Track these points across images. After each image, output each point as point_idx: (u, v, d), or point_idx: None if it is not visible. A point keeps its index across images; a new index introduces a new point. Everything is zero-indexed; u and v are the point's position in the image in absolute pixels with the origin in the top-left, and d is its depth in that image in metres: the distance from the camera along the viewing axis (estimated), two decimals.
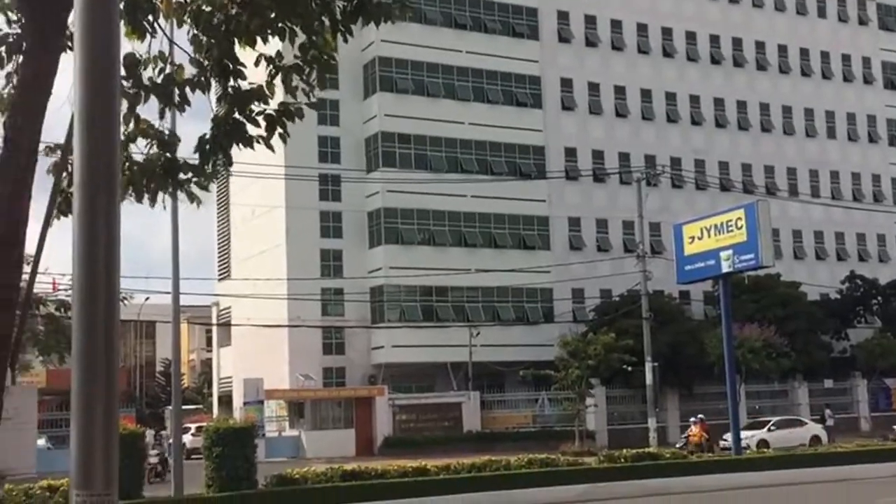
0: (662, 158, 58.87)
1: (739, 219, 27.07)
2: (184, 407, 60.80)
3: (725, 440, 38.21)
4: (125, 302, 37.76)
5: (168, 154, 6.46)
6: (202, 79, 6.26)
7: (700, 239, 28.24)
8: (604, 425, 48.86)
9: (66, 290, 36.95)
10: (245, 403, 46.21)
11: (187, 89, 6.33)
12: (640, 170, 51.03)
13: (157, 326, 79.02)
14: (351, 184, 52.75)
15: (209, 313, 65.96)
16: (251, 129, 6.59)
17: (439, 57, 54.53)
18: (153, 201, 6.52)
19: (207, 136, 6.48)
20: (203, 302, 68.47)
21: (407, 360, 51.96)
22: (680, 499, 21.39)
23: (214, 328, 64.29)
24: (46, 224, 5.79)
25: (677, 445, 32.29)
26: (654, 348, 42.28)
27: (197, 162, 6.55)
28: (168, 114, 6.57)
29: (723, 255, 27.42)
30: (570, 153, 58.71)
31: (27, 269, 5.57)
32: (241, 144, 6.61)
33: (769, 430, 41.15)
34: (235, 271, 58.41)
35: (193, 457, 38.36)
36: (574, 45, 60.03)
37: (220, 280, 60.77)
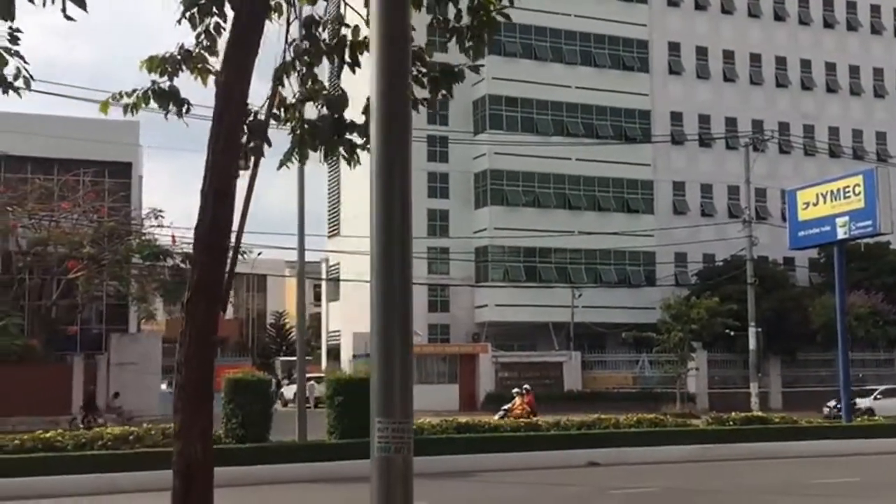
0: (770, 124, 57.28)
1: (857, 185, 26.22)
2: (293, 358, 62.62)
3: (829, 407, 37.37)
4: (244, 256, 38.69)
5: (336, 115, 6.56)
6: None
7: (815, 205, 27.46)
8: (704, 389, 48.24)
9: (188, 243, 37.83)
10: (354, 356, 47.07)
11: (358, 52, 6.42)
12: (747, 135, 49.80)
13: (267, 280, 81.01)
14: (458, 146, 52.82)
15: (318, 269, 67.17)
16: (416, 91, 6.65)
17: (547, 20, 53.89)
18: (325, 159, 6.66)
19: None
20: (312, 258, 69.91)
21: (509, 318, 52.12)
22: (790, 463, 21.07)
23: (324, 283, 65.47)
24: (253, 177, 5.97)
25: (496, 417, 26.88)
26: (758, 314, 41.45)
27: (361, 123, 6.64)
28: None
29: (839, 221, 26.63)
30: (676, 117, 57.58)
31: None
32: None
33: (875, 398, 40.03)
34: (344, 229, 59.20)
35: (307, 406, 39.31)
36: (683, 9, 58.61)
37: (329, 237, 61.79)
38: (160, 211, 37.14)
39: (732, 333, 43.49)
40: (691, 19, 58.60)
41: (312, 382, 51.77)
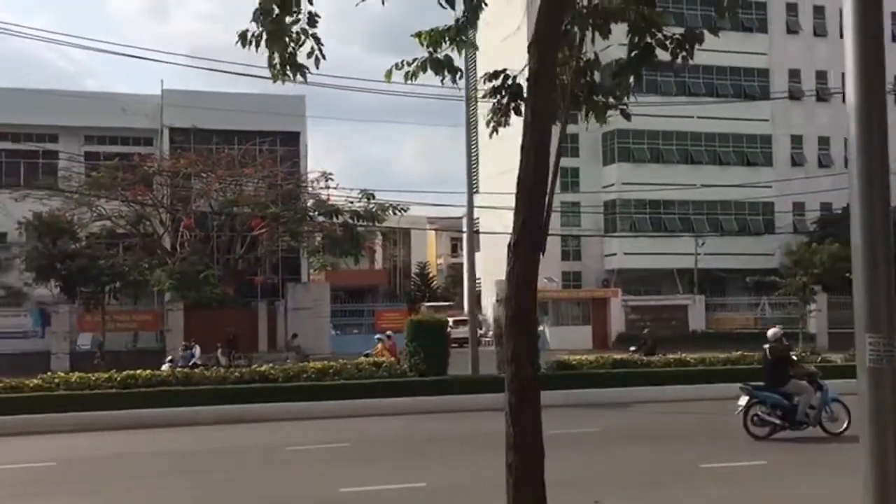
0: (889, 77, 54.15)
1: None
2: (437, 303, 63.57)
3: None
4: (401, 212, 39.37)
5: (588, 77, 6.63)
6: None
7: None
8: (825, 329, 46.60)
9: (352, 201, 38.63)
10: (497, 301, 47.35)
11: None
12: None
13: (411, 234, 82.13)
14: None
15: (459, 224, 67.61)
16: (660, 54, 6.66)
17: None
18: (596, 119, 6.77)
19: (624, 60, 6.60)
20: (454, 214, 70.42)
21: (636, 266, 51.57)
22: None
23: (465, 237, 65.86)
24: (563, 130, 6.13)
25: (360, 359, 23.44)
26: None
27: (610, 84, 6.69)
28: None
29: None
30: (794, 74, 55.19)
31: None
32: (649, 67, 6.69)
33: None
34: (483, 186, 59.37)
35: (452, 346, 40.17)
36: None
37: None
38: (329, 174, 38.06)
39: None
40: None
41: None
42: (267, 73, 5.88)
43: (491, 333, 34.72)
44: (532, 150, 5.32)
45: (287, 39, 5.68)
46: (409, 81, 6.51)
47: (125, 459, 13.80)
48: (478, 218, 60.34)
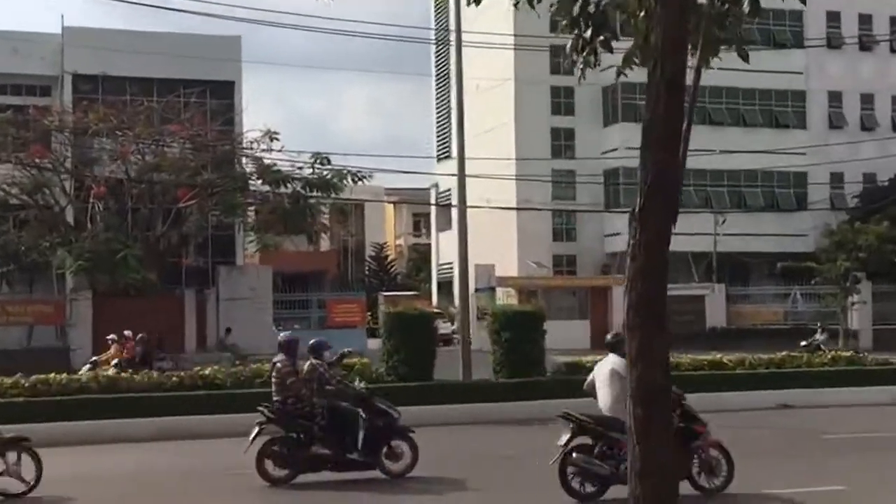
0: None
1: None
2: (398, 293, 63.40)
3: None
4: (364, 181, 39.08)
5: None
6: None
7: None
8: (868, 324, 47.19)
9: (300, 166, 38.26)
10: (476, 290, 47.30)
11: None
12: None
13: (365, 210, 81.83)
14: None
15: (425, 197, 67.55)
16: None
17: None
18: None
19: None
20: (418, 184, 70.24)
21: None
22: None
23: (433, 211, 65.85)
24: (698, 70, 5.95)
25: (83, 369, 23.31)
26: None
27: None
28: None
29: None
30: (833, 18, 55.59)
31: None
32: None
33: None
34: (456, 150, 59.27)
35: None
36: None
37: (439, 160, 61.90)
38: (275, 133, 37.52)
39: None
40: None
41: None
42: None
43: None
44: (661, 85, 5.14)
45: None
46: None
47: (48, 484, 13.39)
48: (448, 190, 60.84)
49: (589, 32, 6.07)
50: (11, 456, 12.50)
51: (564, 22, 6.47)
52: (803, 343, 32.59)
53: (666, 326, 5.29)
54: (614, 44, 6.69)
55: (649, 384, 4.85)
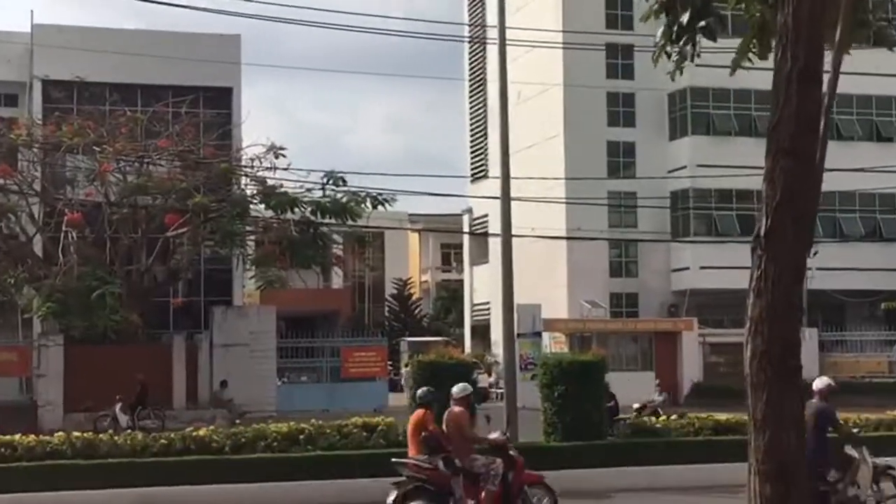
0: None
1: None
2: (424, 339, 63.14)
3: None
4: (387, 206, 39.09)
5: None
6: None
7: None
8: None
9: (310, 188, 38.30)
10: (518, 335, 46.98)
11: None
12: None
13: (385, 238, 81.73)
14: (647, 55, 51.75)
15: (456, 224, 67.46)
16: None
17: None
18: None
19: None
20: (448, 209, 70.06)
21: (718, 285, 51.23)
22: None
23: (466, 241, 65.71)
24: (840, 53, 5.76)
25: None
26: None
27: None
28: None
29: None
30: None
31: None
32: None
33: None
34: (494, 170, 59.12)
35: None
36: None
37: (473, 181, 61.79)
38: (280, 148, 37.62)
39: None
40: None
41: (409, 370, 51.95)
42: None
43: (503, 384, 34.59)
44: (793, 77, 4.93)
45: None
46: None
47: None
48: (485, 215, 60.75)
49: (686, 17, 5.87)
50: None
51: (654, 5, 6.29)
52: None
53: (801, 380, 5.04)
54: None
55: (782, 451, 4.56)
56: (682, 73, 6.72)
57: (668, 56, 6.55)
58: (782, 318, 4.88)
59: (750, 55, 6.63)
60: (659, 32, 6.54)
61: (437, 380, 20.09)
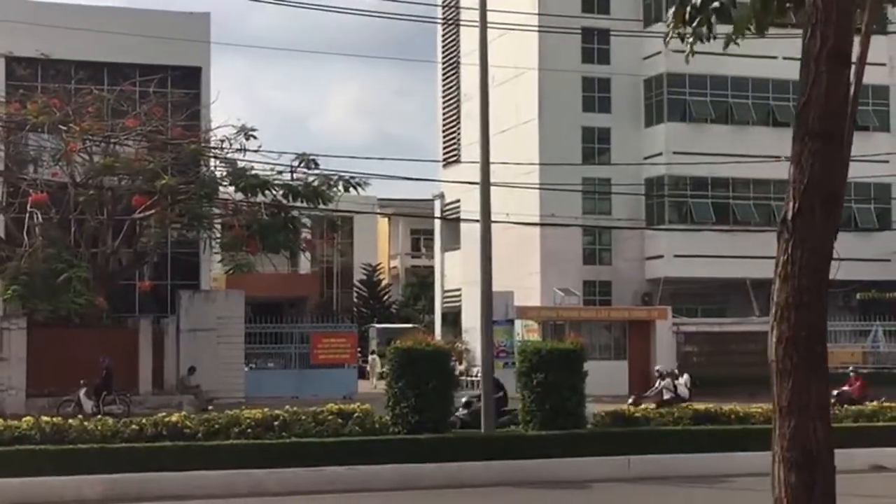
0: None
1: None
2: (393, 325, 62.95)
3: None
4: (359, 189, 38.99)
5: None
6: None
7: None
8: None
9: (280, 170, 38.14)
10: (495, 322, 47.00)
11: None
12: None
13: (354, 222, 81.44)
14: (623, 40, 51.90)
15: (427, 208, 67.37)
16: None
17: None
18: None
19: None
20: (419, 194, 69.95)
21: (693, 274, 51.55)
22: None
23: (437, 226, 65.61)
24: (867, 36, 5.66)
25: None
26: None
27: None
28: None
29: None
30: None
31: None
32: None
33: None
34: (466, 155, 58.98)
35: None
36: None
37: (445, 166, 61.66)
38: (251, 130, 37.42)
39: None
40: None
41: (374, 357, 52.05)
42: None
43: (478, 371, 34.54)
44: (822, 58, 4.84)
45: None
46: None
47: None
48: (456, 200, 60.61)
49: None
50: None
51: None
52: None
53: (826, 367, 4.96)
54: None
55: (807, 440, 4.48)
56: (693, 54, 6.63)
57: (682, 39, 6.47)
58: (809, 304, 4.82)
59: (734, 39, 6.58)
60: (670, 14, 6.45)
61: (413, 366, 20.15)
